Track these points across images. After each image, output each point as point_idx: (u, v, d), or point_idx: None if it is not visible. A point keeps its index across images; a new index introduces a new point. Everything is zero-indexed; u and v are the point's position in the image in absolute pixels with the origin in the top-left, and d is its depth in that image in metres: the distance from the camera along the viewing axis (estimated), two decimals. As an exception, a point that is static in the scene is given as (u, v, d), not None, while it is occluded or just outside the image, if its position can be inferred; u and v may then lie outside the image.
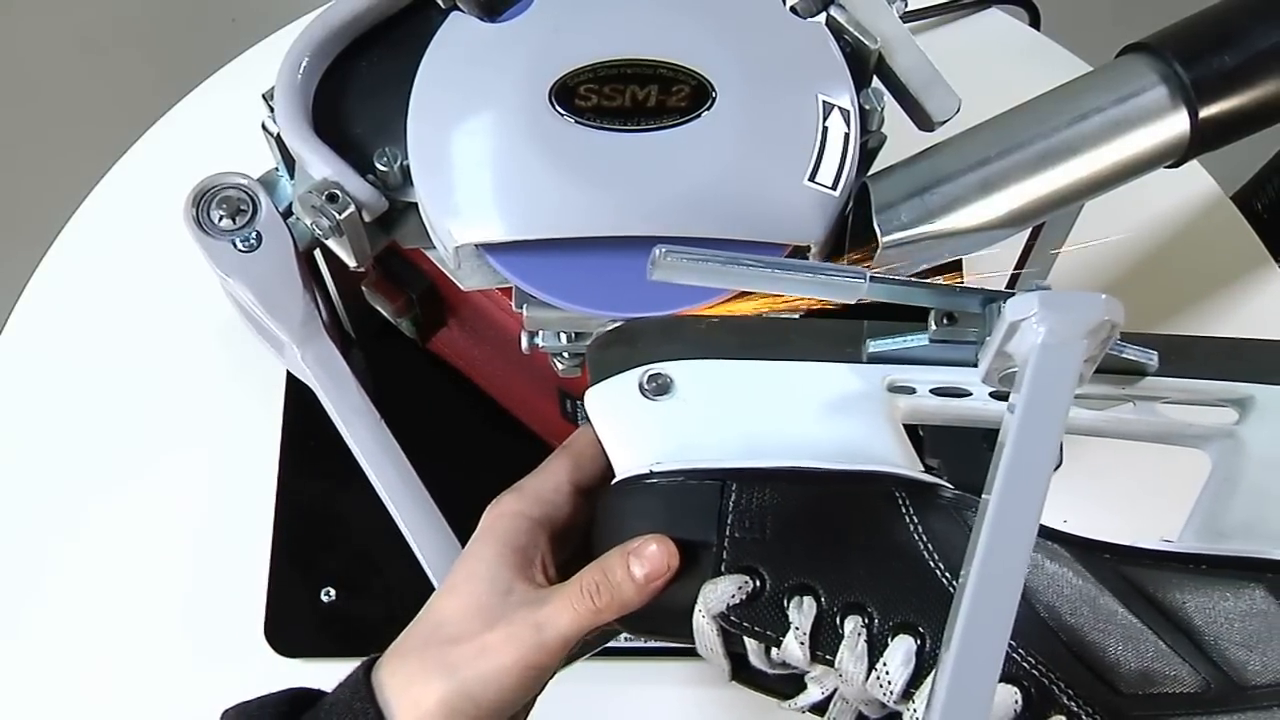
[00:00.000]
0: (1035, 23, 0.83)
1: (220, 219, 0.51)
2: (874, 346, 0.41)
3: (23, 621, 0.64)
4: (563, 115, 0.48)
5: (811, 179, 0.48)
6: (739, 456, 0.40)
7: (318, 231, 0.48)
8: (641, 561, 0.38)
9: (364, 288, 0.62)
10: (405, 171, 0.49)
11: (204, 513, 0.67)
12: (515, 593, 0.39)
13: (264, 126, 0.52)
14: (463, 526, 0.46)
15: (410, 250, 0.54)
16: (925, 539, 0.39)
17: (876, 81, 0.52)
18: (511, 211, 0.47)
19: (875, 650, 0.37)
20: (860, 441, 0.41)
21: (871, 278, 0.38)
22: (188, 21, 1.64)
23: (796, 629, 0.37)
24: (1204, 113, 0.48)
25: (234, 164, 0.53)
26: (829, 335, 0.42)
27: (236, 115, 0.57)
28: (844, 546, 0.39)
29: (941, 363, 0.41)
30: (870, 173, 0.51)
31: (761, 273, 0.38)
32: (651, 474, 0.40)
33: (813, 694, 0.39)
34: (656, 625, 0.40)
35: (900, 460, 0.41)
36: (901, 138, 0.52)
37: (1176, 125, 0.48)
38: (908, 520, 0.39)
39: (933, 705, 0.32)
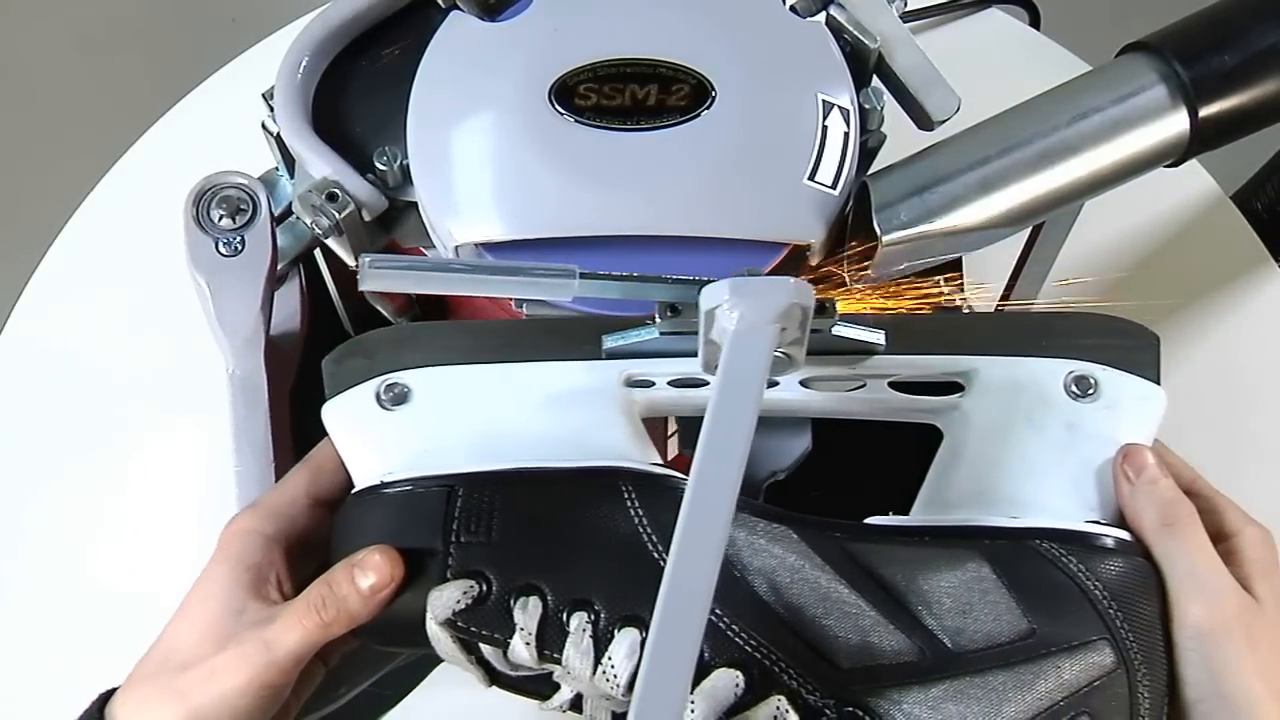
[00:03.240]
0: (1035, 23, 0.83)
1: (220, 218, 0.51)
2: (609, 342, 0.42)
3: (23, 622, 0.64)
4: (562, 114, 0.48)
5: (811, 178, 0.48)
6: (471, 461, 0.40)
7: (318, 231, 0.48)
8: (365, 572, 0.38)
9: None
10: (405, 171, 0.49)
11: (204, 513, 0.66)
12: (248, 612, 0.39)
13: (264, 126, 0.52)
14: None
15: (410, 249, 0.54)
16: (650, 531, 0.39)
17: (876, 81, 0.53)
18: (511, 211, 0.47)
19: (601, 645, 0.37)
20: (590, 437, 0.41)
21: (581, 275, 0.39)
22: (188, 21, 1.64)
23: (522, 629, 0.37)
24: (1204, 112, 0.48)
25: (234, 164, 0.53)
26: (569, 333, 0.43)
27: (236, 115, 0.57)
28: (569, 544, 0.39)
29: (675, 354, 0.42)
30: (870, 172, 0.51)
31: (469, 276, 0.39)
32: (383, 484, 0.40)
33: (565, 693, 0.39)
34: (393, 636, 0.40)
35: (632, 454, 0.41)
36: (901, 137, 0.52)
37: (1176, 124, 0.48)
38: (633, 513, 0.39)
39: (636, 686, 0.32)
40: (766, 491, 0.48)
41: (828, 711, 0.36)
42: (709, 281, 0.37)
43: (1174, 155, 0.49)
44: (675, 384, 0.42)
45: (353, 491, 0.41)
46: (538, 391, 0.42)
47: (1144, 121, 0.48)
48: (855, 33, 0.51)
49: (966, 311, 0.45)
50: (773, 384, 0.43)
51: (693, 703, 0.36)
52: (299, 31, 0.51)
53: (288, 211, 0.53)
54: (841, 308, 0.46)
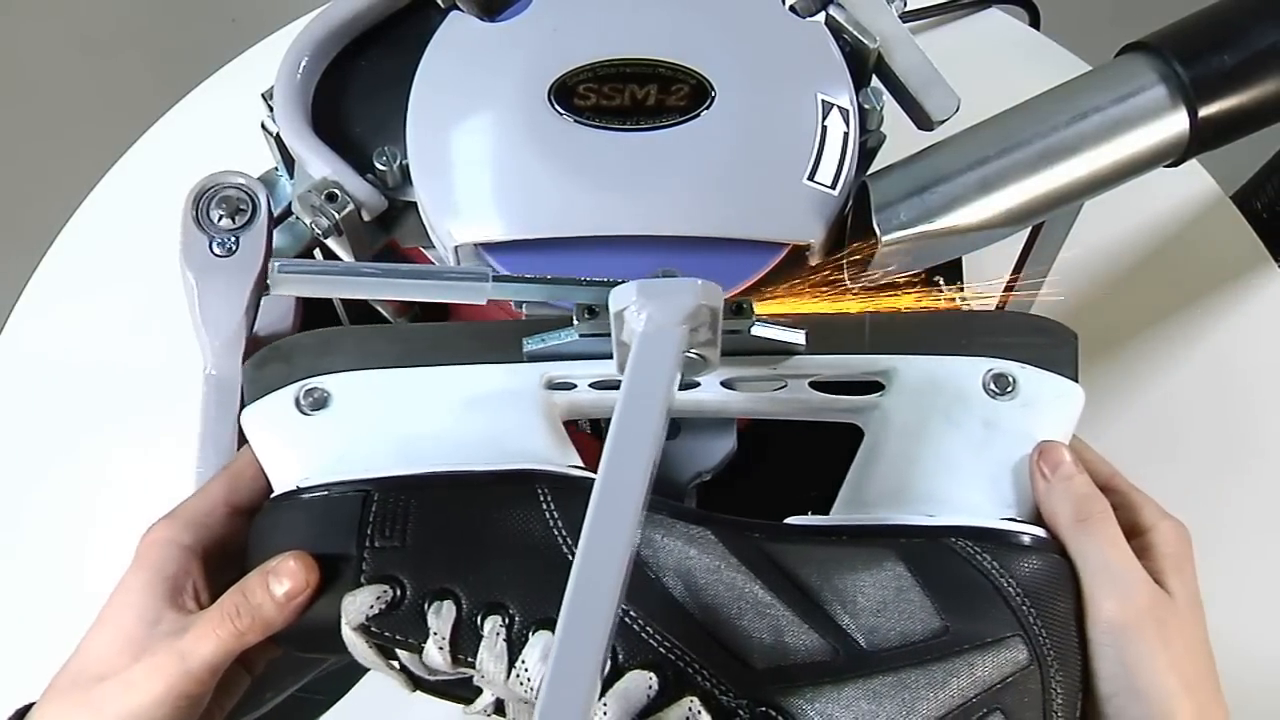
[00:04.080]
0: (1035, 23, 0.83)
1: (220, 218, 0.51)
2: (529, 345, 0.42)
3: (22, 622, 0.64)
4: (562, 114, 0.48)
5: (811, 178, 0.48)
6: (388, 465, 0.40)
7: (317, 231, 0.48)
8: (280, 579, 0.38)
9: (363, 287, 0.62)
10: (404, 171, 0.49)
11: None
12: (164, 622, 0.38)
13: (264, 126, 0.52)
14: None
15: (410, 249, 0.54)
16: (565, 534, 0.39)
17: (876, 81, 0.53)
18: (511, 211, 0.47)
19: (515, 649, 0.37)
20: (509, 440, 0.41)
21: (494, 277, 0.39)
22: (188, 22, 1.64)
23: (435, 634, 0.37)
24: (1203, 112, 0.48)
25: (234, 164, 0.53)
26: (490, 336, 0.43)
27: (236, 115, 0.57)
28: (485, 547, 0.39)
29: (595, 356, 0.42)
30: (870, 172, 0.51)
31: (379, 280, 0.38)
32: (299, 490, 0.40)
33: (486, 697, 0.39)
34: (310, 642, 0.40)
35: (551, 457, 0.41)
36: (901, 137, 0.52)
37: (1176, 124, 0.48)
38: (548, 516, 0.39)
39: (542, 687, 0.32)
40: (698, 491, 0.48)
41: (741, 712, 0.36)
42: (620, 283, 0.37)
43: (1174, 155, 0.49)
44: (597, 386, 0.42)
45: (270, 497, 0.41)
46: (457, 395, 0.42)
47: (1144, 121, 0.48)
48: (855, 33, 0.51)
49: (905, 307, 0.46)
50: (693, 385, 0.43)
51: (605, 704, 0.35)
52: (299, 31, 0.51)
53: (287, 211, 0.53)
54: (835, 307, 0.46)
